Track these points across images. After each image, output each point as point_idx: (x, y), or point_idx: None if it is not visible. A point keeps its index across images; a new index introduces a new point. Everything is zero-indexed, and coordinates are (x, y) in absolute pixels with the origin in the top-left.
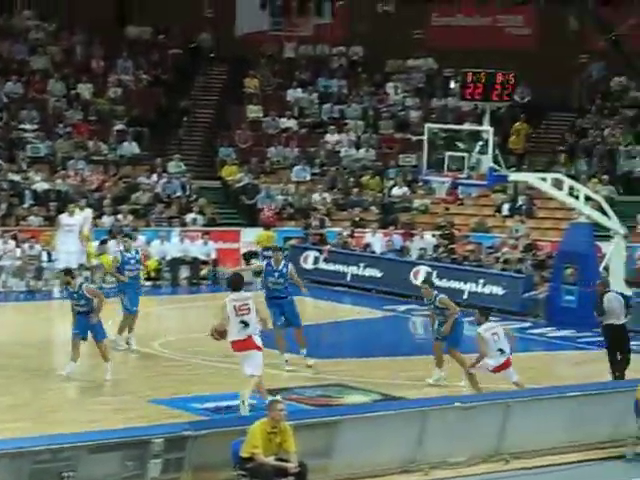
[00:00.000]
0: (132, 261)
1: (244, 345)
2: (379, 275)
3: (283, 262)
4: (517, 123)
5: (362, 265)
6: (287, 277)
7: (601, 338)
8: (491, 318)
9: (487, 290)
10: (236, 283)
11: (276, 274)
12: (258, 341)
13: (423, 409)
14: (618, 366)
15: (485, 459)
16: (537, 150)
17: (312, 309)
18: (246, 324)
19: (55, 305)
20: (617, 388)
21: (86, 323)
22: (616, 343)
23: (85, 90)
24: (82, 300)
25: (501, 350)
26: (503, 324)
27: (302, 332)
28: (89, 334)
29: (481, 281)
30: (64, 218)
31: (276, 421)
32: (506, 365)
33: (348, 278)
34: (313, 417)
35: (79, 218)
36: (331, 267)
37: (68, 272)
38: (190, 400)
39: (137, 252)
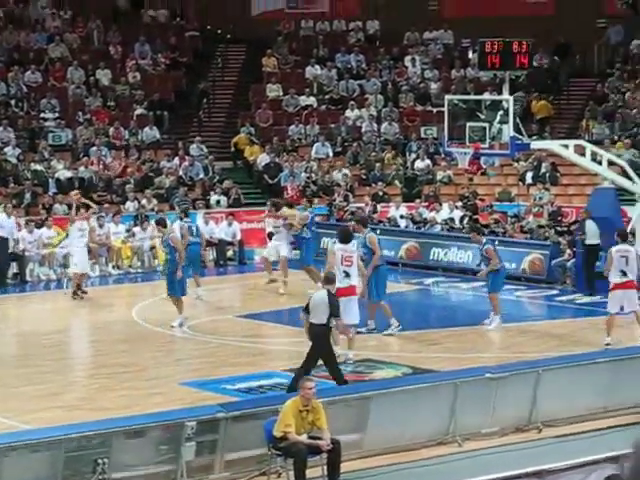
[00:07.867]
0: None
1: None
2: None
3: None
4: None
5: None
6: None
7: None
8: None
9: None
10: (346, 235)
11: None
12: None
13: (455, 381)
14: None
15: (518, 428)
16: (558, 117)
17: None
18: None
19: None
20: None
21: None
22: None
23: (104, 76)
24: (167, 248)
25: (623, 272)
26: (531, 292)
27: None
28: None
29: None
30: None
31: (307, 399)
32: (627, 286)
33: None
34: (345, 393)
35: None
36: None
37: (161, 221)
38: (221, 382)
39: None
